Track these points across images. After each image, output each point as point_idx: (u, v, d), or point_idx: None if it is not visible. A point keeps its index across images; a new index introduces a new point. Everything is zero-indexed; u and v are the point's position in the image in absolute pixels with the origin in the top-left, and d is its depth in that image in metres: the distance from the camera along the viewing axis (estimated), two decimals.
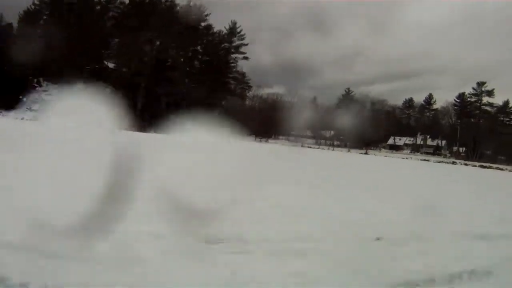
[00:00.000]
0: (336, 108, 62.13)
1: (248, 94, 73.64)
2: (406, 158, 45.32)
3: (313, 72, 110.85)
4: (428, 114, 60.61)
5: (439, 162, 44.45)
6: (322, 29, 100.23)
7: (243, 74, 71.70)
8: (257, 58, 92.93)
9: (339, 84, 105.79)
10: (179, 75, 50.62)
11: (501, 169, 43.93)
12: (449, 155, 51.58)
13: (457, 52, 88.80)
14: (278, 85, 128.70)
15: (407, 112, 61.98)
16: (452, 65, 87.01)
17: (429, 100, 61.48)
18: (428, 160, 45.31)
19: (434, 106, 61.16)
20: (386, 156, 47.55)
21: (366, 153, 48.45)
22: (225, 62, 54.20)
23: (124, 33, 44.93)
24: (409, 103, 62.64)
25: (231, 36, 54.30)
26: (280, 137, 62.56)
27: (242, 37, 55.03)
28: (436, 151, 53.93)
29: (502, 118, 61.61)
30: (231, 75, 57.54)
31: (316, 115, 62.47)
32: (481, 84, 57.01)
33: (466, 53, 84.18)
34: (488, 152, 56.93)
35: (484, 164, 42.49)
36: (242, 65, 58.35)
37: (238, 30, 54.92)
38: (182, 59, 54.51)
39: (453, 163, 44.87)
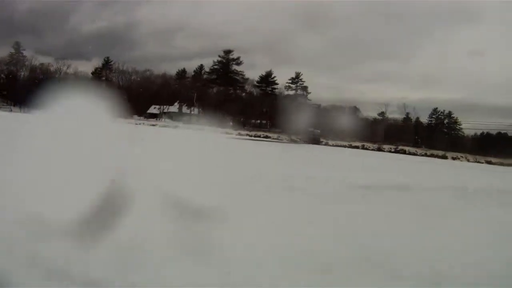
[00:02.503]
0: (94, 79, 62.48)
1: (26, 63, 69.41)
2: (136, 124, 47.34)
3: (134, 44, 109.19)
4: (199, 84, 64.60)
5: (164, 126, 48.41)
6: None
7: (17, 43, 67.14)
8: (75, 26, 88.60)
9: (158, 57, 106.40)
10: None
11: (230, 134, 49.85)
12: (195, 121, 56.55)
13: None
14: (98, 57, 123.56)
15: (179, 81, 65.28)
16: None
17: (199, 70, 65.96)
18: (155, 125, 48.99)
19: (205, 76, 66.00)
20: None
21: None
22: None
23: None
24: (182, 73, 66.16)
25: None
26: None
27: None
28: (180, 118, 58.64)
29: (264, 88, 69.33)
30: None
31: (75, 84, 61.87)
32: (227, 52, 62.73)
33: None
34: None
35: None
36: None
37: None
38: None
39: (176, 127, 49.45)
